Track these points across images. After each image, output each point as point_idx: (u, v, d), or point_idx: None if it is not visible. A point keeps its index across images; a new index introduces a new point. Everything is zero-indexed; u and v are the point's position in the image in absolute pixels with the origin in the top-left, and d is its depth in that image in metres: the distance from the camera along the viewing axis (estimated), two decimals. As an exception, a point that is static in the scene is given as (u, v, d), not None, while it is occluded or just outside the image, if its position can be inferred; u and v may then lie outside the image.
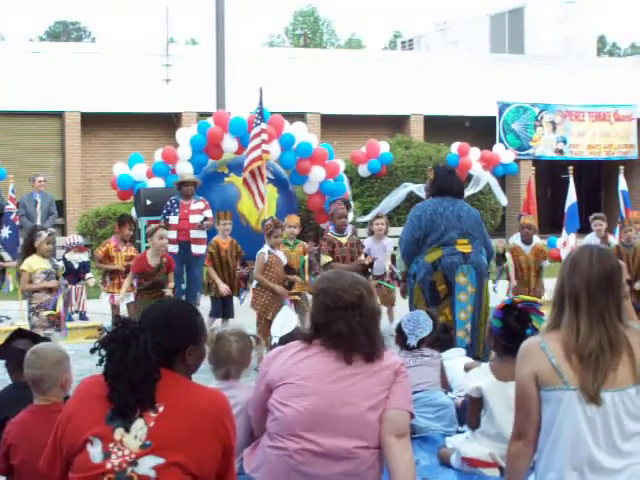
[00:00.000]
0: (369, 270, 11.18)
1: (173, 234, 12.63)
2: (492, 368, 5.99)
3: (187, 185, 13.49)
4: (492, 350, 6.31)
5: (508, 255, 12.07)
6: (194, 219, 13.24)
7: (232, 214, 11.91)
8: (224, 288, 11.17)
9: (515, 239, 12.98)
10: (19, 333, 5.75)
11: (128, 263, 12.00)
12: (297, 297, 10.83)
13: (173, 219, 13.20)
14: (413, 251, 8.94)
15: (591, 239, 13.10)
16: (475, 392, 5.98)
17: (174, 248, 12.57)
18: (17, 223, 14.69)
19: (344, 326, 4.28)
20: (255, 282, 10.56)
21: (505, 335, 5.91)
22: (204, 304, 12.04)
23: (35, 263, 10.20)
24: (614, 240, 13.14)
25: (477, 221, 9.03)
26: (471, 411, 6.13)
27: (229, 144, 16.33)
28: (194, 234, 13.27)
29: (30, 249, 10.26)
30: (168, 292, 10.54)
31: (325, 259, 11.18)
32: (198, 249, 13.20)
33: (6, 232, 14.61)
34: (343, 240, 11.37)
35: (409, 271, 9.08)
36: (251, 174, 13.61)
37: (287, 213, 16.46)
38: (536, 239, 12.43)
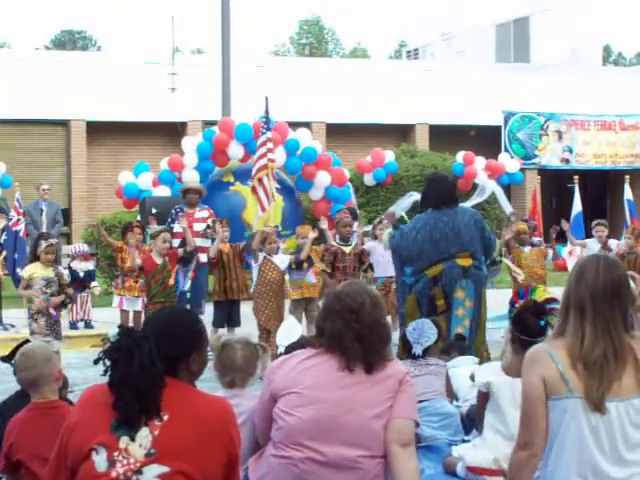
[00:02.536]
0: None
1: (178, 242, 12.60)
2: (503, 367, 6.04)
3: (191, 193, 13.47)
4: (510, 345, 6.34)
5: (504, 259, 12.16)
6: (198, 227, 13.23)
7: (228, 221, 12.04)
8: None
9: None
10: (26, 344, 5.75)
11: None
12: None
13: (177, 227, 13.19)
14: (404, 252, 8.88)
15: (592, 245, 13.11)
16: (484, 387, 6.03)
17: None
18: (15, 230, 14.68)
19: (339, 329, 4.30)
20: (253, 289, 10.77)
21: (518, 326, 5.95)
22: (209, 311, 12.04)
23: (35, 270, 10.42)
24: (615, 247, 13.11)
25: (478, 227, 8.96)
26: (479, 406, 6.18)
27: (235, 151, 16.36)
28: (198, 242, 13.24)
29: (35, 256, 10.48)
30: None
31: (324, 267, 11.26)
32: (202, 257, 13.18)
33: (1, 238, 14.60)
34: (347, 250, 11.38)
35: (403, 278, 9.03)
36: (259, 181, 13.60)
37: (293, 221, 16.49)
38: (536, 240, 12.74)
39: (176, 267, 11.34)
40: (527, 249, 12.37)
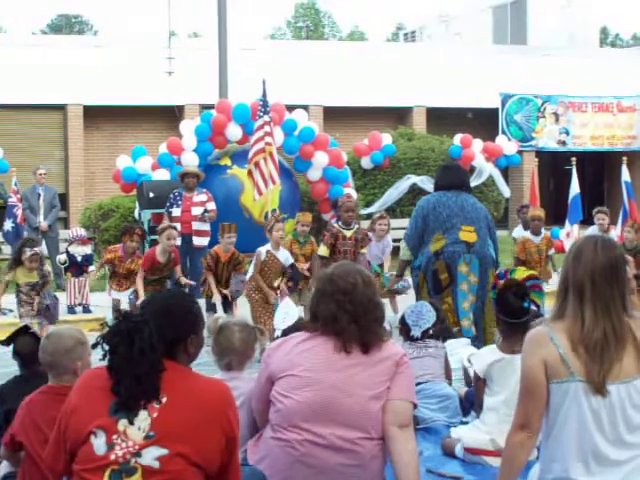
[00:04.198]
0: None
1: (176, 226, 12.54)
2: (500, 348, 6.04)
3: (188, 177, 13.51)
4: (498, 331, 6.35)
5: None
6: (196, 211, 13.25)
7: (237, 227, 11.07)
8: (217, 297, 10.84)
9: (518, 231, 12.97)
10: (24, 330, 5.74)
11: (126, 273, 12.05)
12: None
13: (176, 211, 13.21)
14: (416, 243, 8.95)
15: (593, 233, 13.07)
16: (482, 372, 6.03)
17: (177, 241, 12.44)
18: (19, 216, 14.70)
19: (333, 312, 4.29)
20: (249, 275, 10.46)
21: (501, 308, 5.96)
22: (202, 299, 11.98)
23: (19, 275, 10.86)
24: (615, 234, 13.08)
25: (483, 215, 9.00)
26: (478, 391, 6.18)
27: (233, 132, 16.37)
28: (196, 226, 13.27)
29: (18, 261, 10.86)
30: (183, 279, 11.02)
31: (323, 250, 11.08)
32: (200, 241, 13.19)
33: (9, 225, 14.63)
34: (348, 233, 11.28)
35: (413, 264, 9.08)
36: (255, 165, 13.57)
37: (290, 204, 16.47)
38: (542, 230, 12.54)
39: None
40: (538, 239, 12.17)
